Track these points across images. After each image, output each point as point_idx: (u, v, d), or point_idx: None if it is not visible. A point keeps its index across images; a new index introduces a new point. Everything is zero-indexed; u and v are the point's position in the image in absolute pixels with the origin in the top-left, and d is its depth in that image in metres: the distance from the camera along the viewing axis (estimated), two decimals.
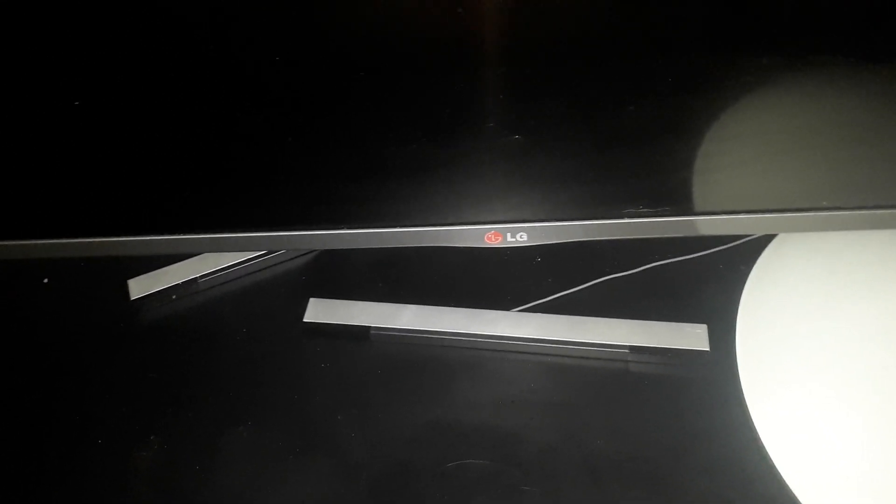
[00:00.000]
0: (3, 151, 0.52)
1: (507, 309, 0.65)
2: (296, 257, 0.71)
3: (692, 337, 0.61)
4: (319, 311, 0.65)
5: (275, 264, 0.70)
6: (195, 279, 0.68)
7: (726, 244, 0.68)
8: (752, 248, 0.67)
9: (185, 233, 0.56)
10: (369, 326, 0.64)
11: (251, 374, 0.63)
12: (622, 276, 0.67)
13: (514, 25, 0.47)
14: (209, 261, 0.69)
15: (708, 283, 0.66)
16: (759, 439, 0.56)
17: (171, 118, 0.51)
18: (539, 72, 0.49)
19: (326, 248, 0.64)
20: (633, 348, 0.61)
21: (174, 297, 0.68)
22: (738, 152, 0.53)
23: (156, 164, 0.53)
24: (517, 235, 0.56)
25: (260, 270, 0.70)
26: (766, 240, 0.68)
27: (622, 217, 0.55)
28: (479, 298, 0.65)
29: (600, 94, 0.50)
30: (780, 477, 0.54)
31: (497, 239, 0.57)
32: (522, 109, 0.50)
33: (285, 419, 0.60)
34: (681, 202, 0.55)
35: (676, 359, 0.61)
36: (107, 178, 0.54)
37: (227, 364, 0.63)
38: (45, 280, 0.70)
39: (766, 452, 0.55)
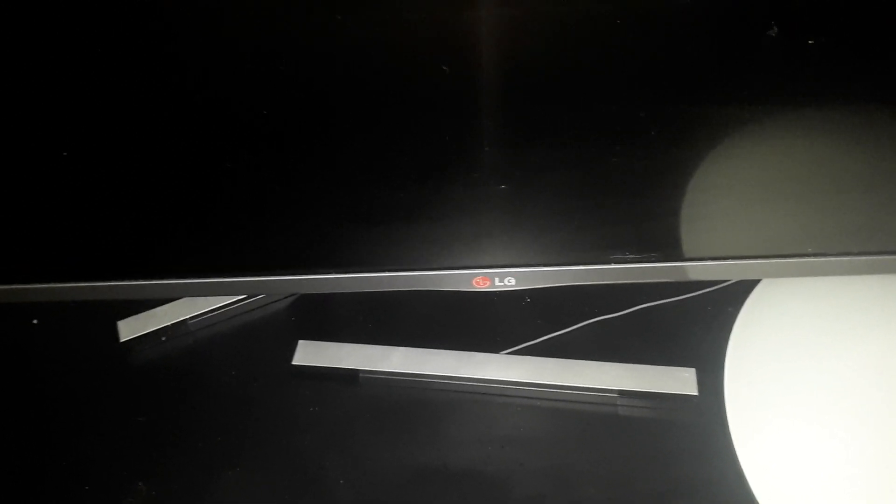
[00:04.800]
0: None
1: (496, 351, 0.65)
2: (285, 298, 0.71)
3: (681, 381, 0.61)
4: (308, 353, 0.65)
5: (264, 304, 0.70)
6: (185, 321, 0.68)
7: (714, 286, 0.68)
8: (739, 290, 0.68)
9: (171, 277, 0.56)
10: (358, 369, 0.64)
11: (240, 418, 0.62)
12: (611, 317, 0.67)
13: (498, 81, 0.47)
14: (199, 302, 0.69)
15: (696, 325, 0.66)
16: (748, 484, 0.56)
17: (159, 166, 0.51)
18: (524, 125, 0.49)
19: (314, 292, 0.64)
20: (622, 392, 0.61)
21: (163, 338, 0.68)
22: (723, 200, 0.53)
23: (142, 209, 0.53)
24: (505, 280, 0.57)
25: (250, 311, 0.70)
26: (753, 281, 0.68)
27: (609, 262, 0.55)
28: (468, 340, 0.65)
29: (585, 145, 0.50)
30: None
31: (485, 283, 0.57)
32: (507, 161, 0.51)
33: (274, 463, 0.59)
34: (667, 248, 0.55)
35: (665, 403, 0.61)
36: (93, 224, 0.54)
37: (216, 407, 0.63)
38: (34, 321, 0.70)
39: (755, 498, 0.55)
